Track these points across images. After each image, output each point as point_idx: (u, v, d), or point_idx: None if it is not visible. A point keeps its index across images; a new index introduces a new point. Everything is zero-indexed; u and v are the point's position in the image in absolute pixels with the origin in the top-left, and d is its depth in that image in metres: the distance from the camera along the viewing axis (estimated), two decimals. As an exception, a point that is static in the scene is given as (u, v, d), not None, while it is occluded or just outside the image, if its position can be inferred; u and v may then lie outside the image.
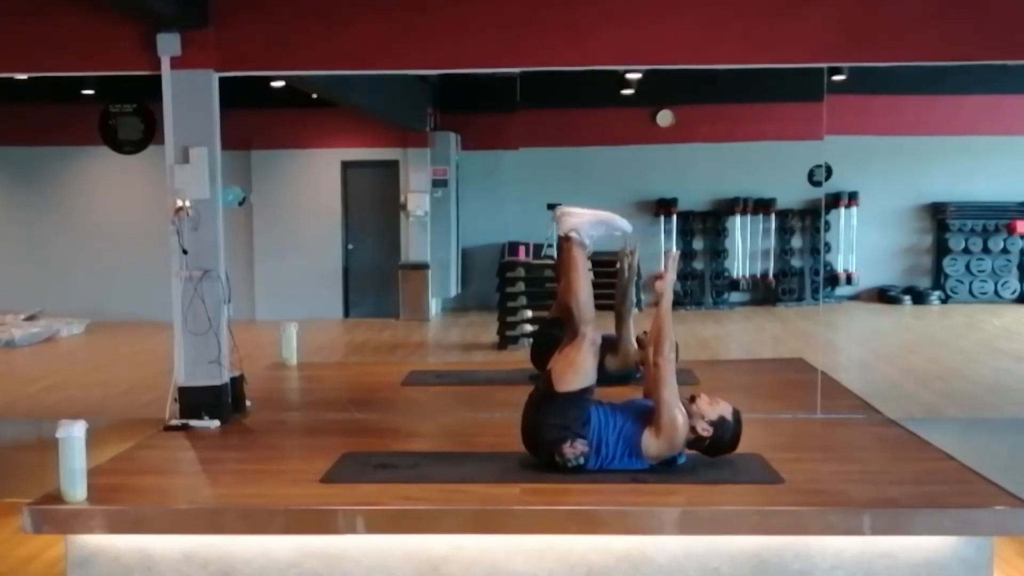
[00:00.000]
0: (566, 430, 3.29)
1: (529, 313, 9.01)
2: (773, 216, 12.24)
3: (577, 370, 3.30)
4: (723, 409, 3.39)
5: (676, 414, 3.27)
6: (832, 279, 12.29)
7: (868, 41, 4.25)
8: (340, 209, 11.45)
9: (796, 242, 12.36)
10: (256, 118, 10.35)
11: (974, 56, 4.28)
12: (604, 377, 4.34)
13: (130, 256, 10.88)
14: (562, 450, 3.29)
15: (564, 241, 3.49)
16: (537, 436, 3.35)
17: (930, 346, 9.08)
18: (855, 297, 12.37)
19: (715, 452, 3.41)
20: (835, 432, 4.15)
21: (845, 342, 9.94)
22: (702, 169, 12.27)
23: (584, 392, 3.32)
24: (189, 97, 4.26)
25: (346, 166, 11.43)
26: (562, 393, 3.29)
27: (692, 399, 3.39)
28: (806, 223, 12.32)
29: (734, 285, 12.27)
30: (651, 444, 3.30)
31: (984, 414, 6.21)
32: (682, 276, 12.36)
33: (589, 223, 3.47)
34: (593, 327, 3.36)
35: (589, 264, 3.51)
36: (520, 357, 6.95)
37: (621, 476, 3.36)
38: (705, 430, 3.33)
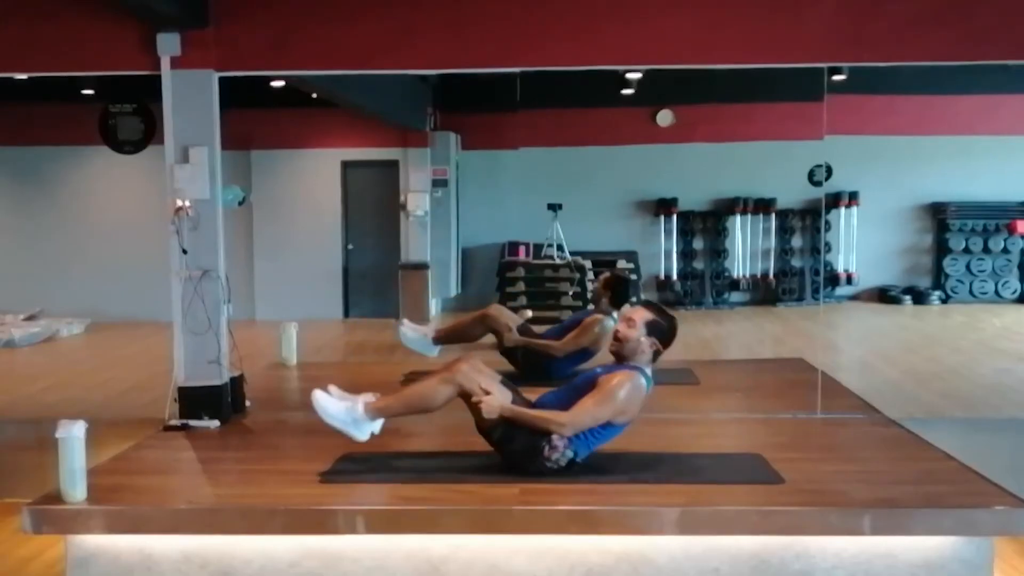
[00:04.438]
0: (532, 436, 3.30)
1: (529, 313, 8.99)
2: (773, 216, 12.24)
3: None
4: (642, 317, 3.44)
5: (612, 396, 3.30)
6: (832, 279, 12.29)
7: (868, 41, 4.25)
8: (340, 209, 11.44)
9: (796, 242, 12.36)
10: (256, 118, 10.35)
11: (974, 56, 4.28)
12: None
13: (130, 256, 10.87)
14: (544, 457, 3.31)
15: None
16: (517, 461, 3.35)
17: (930, 346, 9.08)
18: (855, 297, 12.37)
19: (666, 344, 3.50)
20: (835, 432, 4.15)
21: (845, 342, 9.94)
22: (702, 169, 12.27)
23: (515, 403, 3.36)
24: (189, 97, 4.27)
25: (346, 166, 11.43)
26: (496, 420, 3.31)
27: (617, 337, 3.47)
28: (806, 223, 12.32)
29: (734, 285, 12.28)
30: (603, 401, 3.30)
31: (984, 414, 6.20)
32: (682, 276, 12.37)
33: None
34: (459, 374, 3.32)
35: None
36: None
37: (621, 476, 3.36)
38: (653, 344, 3.43)
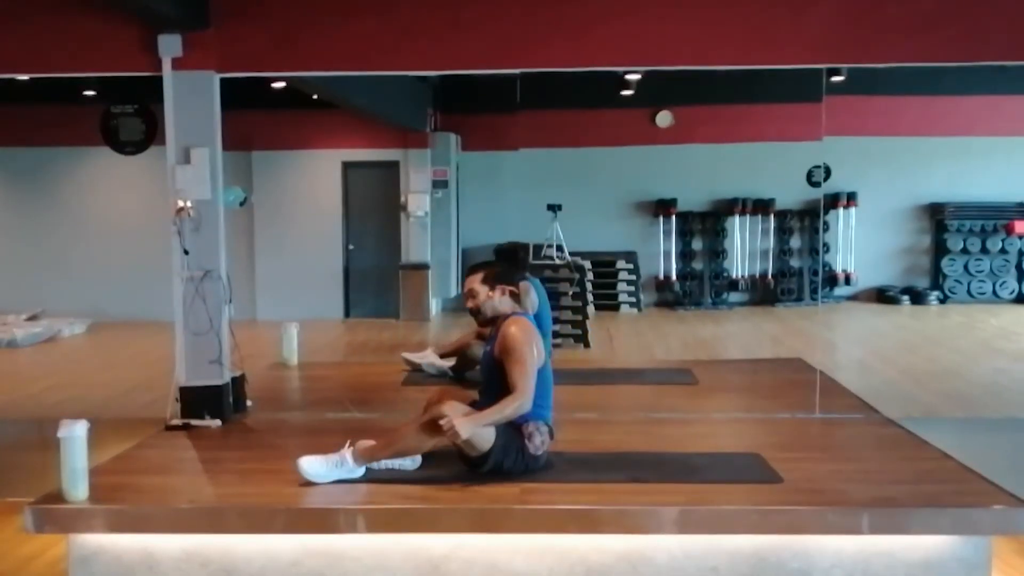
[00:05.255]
0: (510, 442, 3.31)
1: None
2: (772, 216, 12.26)
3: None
4: (475, 282, 3.53)
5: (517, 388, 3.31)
6: (831, 279, 12.31)
7: (867, 42, 4.26)
8: (341, 210, 11.46)
9: (795, 242, 12.38)
10: (257, 119, 10.37)
11: (972, 57, 4.28)
12: None
13: (131, 256, 10.89)
14: (531, 448, 3.33)
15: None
16: (519, 470, 3.34)
17: (928, 346, 9.10)
18: (854, 297, 12.39)
19: (514, 278, 3.64)
20: (834, 432, 4.16)
21: (844, 342, 9.96)
22: (701, 170, 12.30)
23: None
24: (190, 98, 4.28)
25: (347, 167, 11.45)
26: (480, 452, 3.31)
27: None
28: (805, 223, 12.34)
29: (733, 285, 12.29)
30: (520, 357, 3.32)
31: (982, 414, 6.22)
32: (682, 276, 12.38)
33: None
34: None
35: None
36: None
37: (621, 475, 3.37)
38: (503, 291, 3.52)
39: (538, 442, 3.36)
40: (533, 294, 4.92)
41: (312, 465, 3.32)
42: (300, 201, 11.42)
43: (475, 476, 3.33)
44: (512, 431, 3.34)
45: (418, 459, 3.46)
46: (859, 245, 12.26)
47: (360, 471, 3.34)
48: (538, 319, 4.29)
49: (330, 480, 3.31)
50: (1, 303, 10.74)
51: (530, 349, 3.34)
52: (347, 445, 3.36)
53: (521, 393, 3.28)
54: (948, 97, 11.67)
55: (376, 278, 11.34)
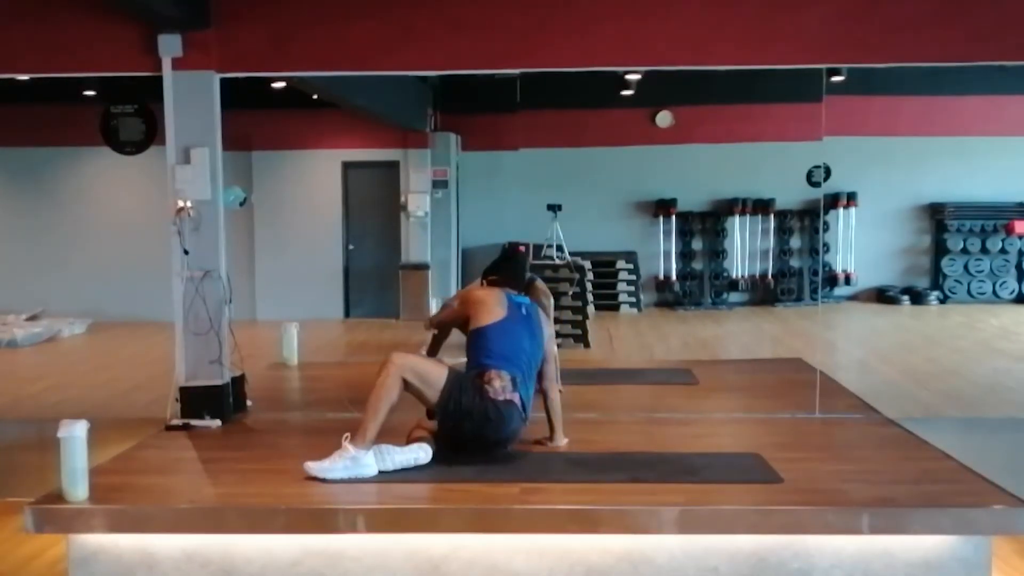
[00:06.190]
0: (455, 378, 3.46)
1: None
2: (772, 217, 12.27)
3: (427, 383, 3.44)
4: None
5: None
6: (831, 279, 12.32)
7: (867, 42, 4.27)
8: (341, 210, 11.46)
9: (795, 242, 12.39)
10: (257, 119, 10.36)
11: (972, 57, 4.29)
12: None
13: (132, 256, 10.90)
14: (488, 389, 3.43)
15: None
16: (463, 405, 3.42)
17: (928, 346, 9.10)
18: (854, 297, 12.39)
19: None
20: (834, 432, 4.17)
21: (844, 342, 9.97)
22: (701, 170, 12.30)
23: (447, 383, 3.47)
24: (190, 98, 4.28)
25: (347, 167, 11.45)
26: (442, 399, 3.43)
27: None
28: (805, 223, 12.35)
29: (733, 285, 12.30)
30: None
31: (982, 413, 6.22)
32: (682, 276, 12.39)
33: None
34: (394, 368, 3.40)
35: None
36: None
37: (621, 475, 3.38)
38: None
39: (498, 386, 3.45)
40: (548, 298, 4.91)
41: (319, 464, 3.34)
42: (300, 201, 11.43)
43: (475, 471, 3.33)
44: (472, 375, 3.52)
45: (429, 451, 3.46)
46: (859, 245, 12.27)
47: (369, 463, 3.34)
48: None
49: (341, 477, 3.32)
50: (1, 303, 10.75)
51: (453, 299, 3.92)
52: (344, 439, 3.38)
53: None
54: (948, 97, 11.67)
55: (376, 278, 11.35)
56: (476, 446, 3.52)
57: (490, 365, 3.52)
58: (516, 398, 3.51)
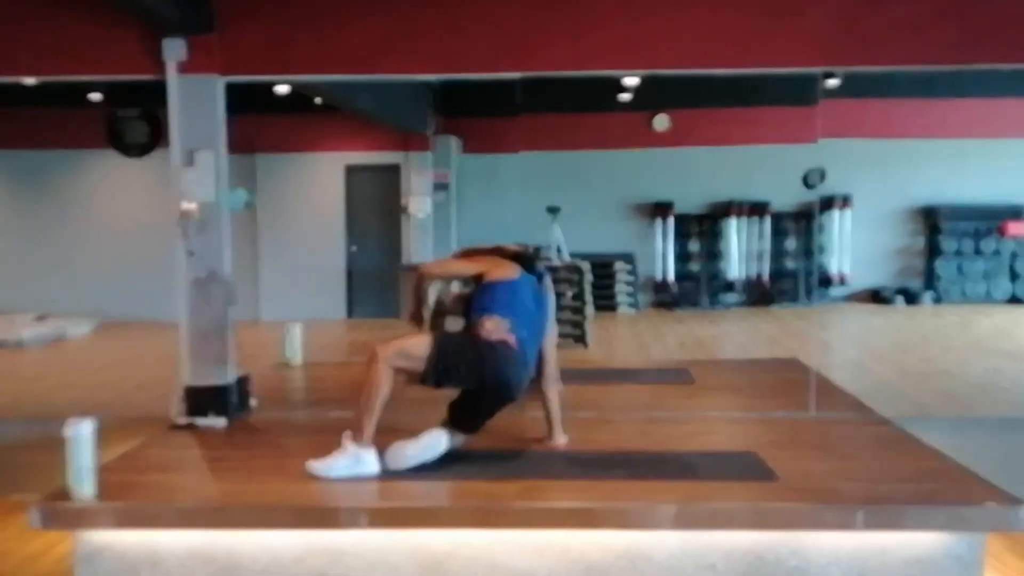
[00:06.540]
0: (461, 333, 3.47)
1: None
2: (768, 219, 12.33)
3: (411, 356, 3.36)
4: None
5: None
6: (826, 280, 12.39)
7: (862, 45, 4.30)
8: (343, 212, 11.51)
9: (791, 244, 12.45)
10: (261, 123, 10.42)
11: (967, 59, 4.31)
12: None
13: (137, 258, 10.94)
14: (481, 332, 3.38)
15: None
16: (478, 366, 3.33)
17: (922, 346, 9.16)
18: (849, 298, 12.46)
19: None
20: (829, 430, 4.20)
21: (839, 342, 10.03)
22: (698, 172, 12.37)
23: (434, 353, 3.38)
24: (195, 102, 4.31)
25: (349, 170, 11.50)
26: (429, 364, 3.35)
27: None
28: (800, 225, 12.41)
29: (730, 286, 12.36)
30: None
31: (976, 412, 6.28)
32: (679, 278, 12.44)
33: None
34: (383, 363, 3.37)
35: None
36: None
37: (620, 473, 3.42)
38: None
39: (490, 327, 3.38)
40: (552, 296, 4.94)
41: (322, 464, 3.38)
42: (303, 203, 11.47)
43: (475, 468, 3.38)
44: (464, 327, 3.52)
45: (442, 435, 3.47)
46: (854, 246, 12.34)
47: (370, 460, 3.37)
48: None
49: (345, 475, 3.35)
50: (8, 303, 10.79)
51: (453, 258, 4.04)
52: (345, 436, 3.42)
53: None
54: (942, 100, 11.74)
55: (378, 279, 11.39)
56: (481, 406, 3.45)
57: (486, 313, 3.44)
58: (512, 339, 3.39)
